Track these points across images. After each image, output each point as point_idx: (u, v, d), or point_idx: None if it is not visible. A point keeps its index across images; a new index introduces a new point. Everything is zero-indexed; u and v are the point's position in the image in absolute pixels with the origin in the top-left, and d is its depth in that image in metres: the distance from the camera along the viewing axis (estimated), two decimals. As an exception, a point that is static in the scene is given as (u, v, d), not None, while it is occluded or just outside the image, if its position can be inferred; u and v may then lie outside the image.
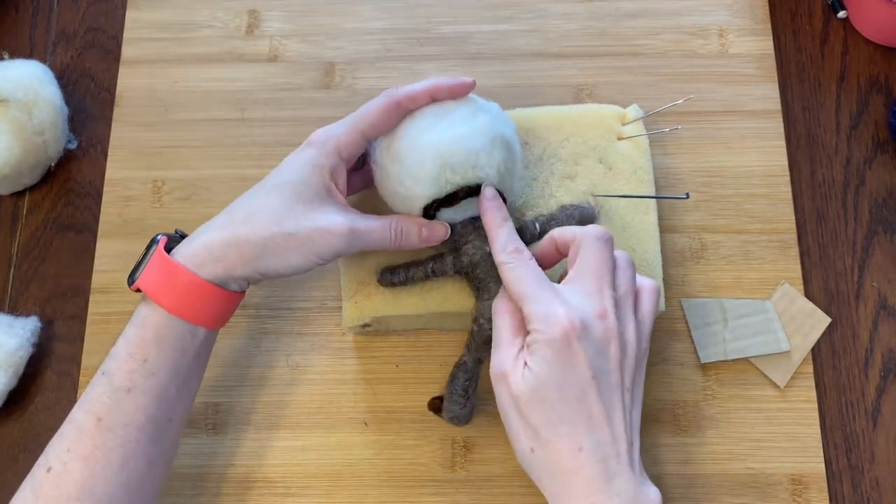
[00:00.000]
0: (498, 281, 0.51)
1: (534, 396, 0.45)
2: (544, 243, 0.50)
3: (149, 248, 0.49)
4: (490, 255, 0.51)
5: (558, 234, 0.50)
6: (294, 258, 0.48)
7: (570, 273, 0.48)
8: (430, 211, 0.51)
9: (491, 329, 0.51)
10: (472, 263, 0.52)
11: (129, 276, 0.49)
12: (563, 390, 0.45)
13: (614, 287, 0.47)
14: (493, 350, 0.48)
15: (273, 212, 0.48)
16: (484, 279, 0.52)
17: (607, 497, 0.44)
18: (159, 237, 0.49)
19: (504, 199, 0.52)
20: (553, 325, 0.45)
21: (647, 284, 0.50)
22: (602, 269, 0.47)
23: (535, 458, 0.46)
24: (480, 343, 0.52)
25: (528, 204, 0.56)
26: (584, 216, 0.54)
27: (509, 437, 0.47)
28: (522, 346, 0.46)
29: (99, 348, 0.59)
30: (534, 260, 0.48)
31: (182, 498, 0.56)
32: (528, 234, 0.53)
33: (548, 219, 0.54)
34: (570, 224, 0.53)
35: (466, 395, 0.53)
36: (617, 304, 0.47)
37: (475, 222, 0.52)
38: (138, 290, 0.48)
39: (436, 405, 0.55)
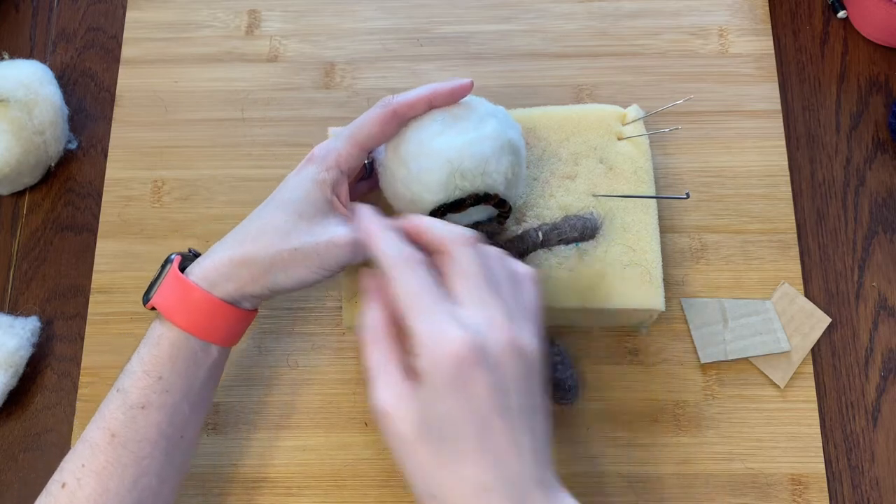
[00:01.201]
0: None
1: (428, 434, 0.39)
2: (403, 227, 0.46)
3: (163, 267, 0.49)
4: None
5: (426, 229, 0.45)
6: (301, 272, 0.48)
7: (448, 285, 0.43)
8: (437, 215, 0.51)
9: None
10: None
11: (144, 294, 0.49)
12: (460, 424, 0.39)
13: (496, 286, 0.43)
14: (370, 383, 0.42)
15: (278, 229, 0.48)
16: None
17: None
18: (173, 256, 0.49)
19: (510, 208, 0.52)
20: (444, 347, 0.39)
21: (523, 272, 0.45)
22: (479, 275, 0.43)
23: None
24: None
25: (528, 204, 0.56)
26: (586, 226, 0.54)
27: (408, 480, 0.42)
28: (405, 375, 0.41)
29: (99, 348, 0.59)
30: (424, 267, 0.43)
31: (182, 498, 0.56)
32: (530, 243, 0.53)
33: (550, 227, 0.54)
34: (573, 234, 0.53)
35: None
36: (506, 308, 0.42)
37: (479, 226, 0.52)
38: (153, 309, 0.49)
39: None
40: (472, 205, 0.50)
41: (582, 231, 0.53)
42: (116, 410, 0.47)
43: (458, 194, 0.50)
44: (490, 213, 0.52)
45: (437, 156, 0.49)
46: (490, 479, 0.39)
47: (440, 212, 0.51)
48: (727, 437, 0.56)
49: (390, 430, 0.41)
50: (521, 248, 0.53)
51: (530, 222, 0.55)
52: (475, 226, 0.52)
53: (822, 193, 0.63)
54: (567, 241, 0.54)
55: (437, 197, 0.50)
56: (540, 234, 0.53)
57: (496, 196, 0.51)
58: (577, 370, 0.54)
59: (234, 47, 0.67)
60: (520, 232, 0.54)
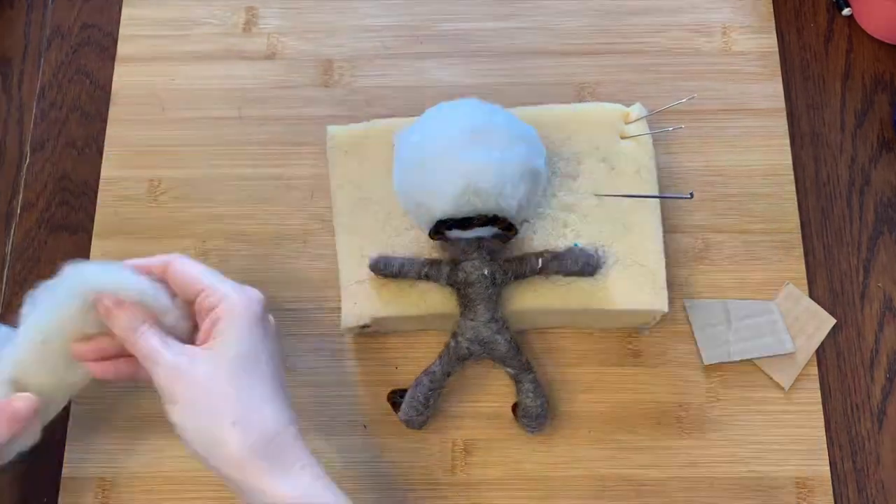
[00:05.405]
0: (488, 306, 0.52)
1: (233, 376, 0.45)
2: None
3: None
4: (486, 276, 0.51)
5: (207, 294, 0.47)
6: None
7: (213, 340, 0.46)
8: (443, 228, 0.51)
9: (467, 348, 0.52)
10: (466, 282, 0.52)
11: None
12: (258, 363, 0.47)
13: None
14: (150, 365, 0.46)
15: None
16: (474, 300, 0.52)
17: None
18: None
19: (516, 232, 0.52)
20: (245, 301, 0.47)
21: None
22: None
23: None
24: (454, 359, 0.53)
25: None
26: (588, 263, 0.53)
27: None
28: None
29: (94, 350, 0.58)
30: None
31: (180, 501, 0.55)
32: (528, 268, 0.53)
33: (552, 257, 0.53)
34: (573, 268, 0.53)
35: (426, 405, 0.53)
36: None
37: (480, 241, 0.52)
38: None
39: (394, 399, 0.55)
40: (480, 225, 0.50)
41: (583, 267, 0.53)
42: None
43: (467, 211, 0.50)
44: (494, 231, 0.52)
45: (457, 169, 0.49)
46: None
47: (446, 226, 0.50)
48: (731, 440, 0.56)
49: (191, 387, 0.45)
50: (518, 271, 0.53)
51: (534, 248, 0.54)
52: (478, 240, 0.52)
53: (826, 193, 0.62)
54: (566, 274, 0.53)
55: (446, 208, 0.50)
56: (540, 261, 0.53)
57: (505, 220, 0.50)
58: (546, 399, 0.54)
59: (231, 45, 0.66)
60: (519, 255, 0.54)
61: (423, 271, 0.53)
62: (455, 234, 0.51)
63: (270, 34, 0.67)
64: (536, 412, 0.53)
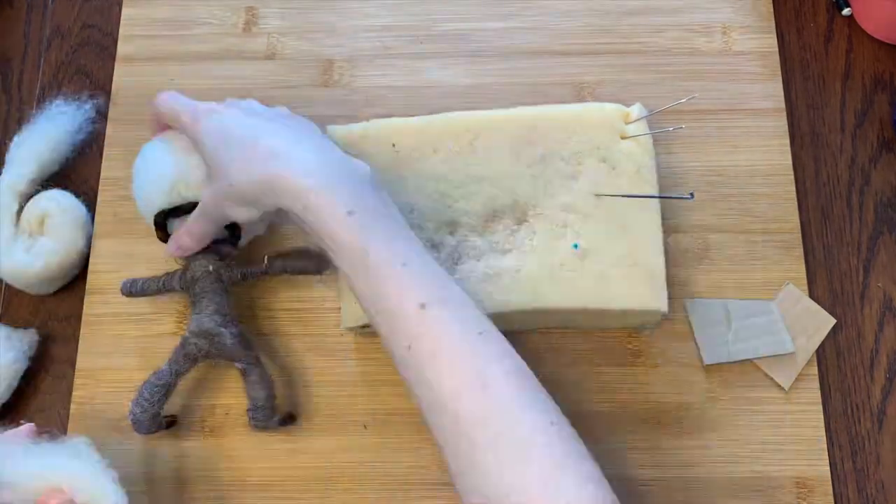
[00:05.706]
0: (213, 298, 0.54)
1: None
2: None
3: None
4: (210, 272, 0.55)
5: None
6: None
7: None
8: (159, 219, 0.55)
9: (194, 343, 0.53)
10: (193, 279, 0.55)
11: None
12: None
13: None
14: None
15: None
16: (199, 294, 0.54)
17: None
18: None
19: (240, 230, 0.56)
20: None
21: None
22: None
23: None
24: (181, 356, 0.54)
25: (531, 203, 0.55)
26: (311, 262, 0.58)
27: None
28: None
29: (94, 349, 0.58)
30: None
31: (178, 501, 0.55)
32: (256, 267, 0.57)
33: (276, 255, 0.57)
34: (299, 266, 0.57)
35: (151, 402, 0.53)
36: None
37: (212, 246, 0.55)
38: None
39: (157, 220, 0.56)
40: (190, 211, 0.54)
41: (305, 266, 0.57)
42: None
43: (178, 201, 0.54)
44: (224, 234, 0.55)
45: (163, 168, 0.54)
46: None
47: (163, 216, 0.55)
48: (731, 440, 0.56)
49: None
50: (245, 269, 0.56)
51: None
52: (213, 243, 0.55)
53: (826, 193, 0.62)
54: (293, 273, 0.57)
55: (159, 201, 0.54)
56: (266, 259, 0.57)
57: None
58: (272, 393, 0.54)
59: (231, 45, 0.66)
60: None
61: (161, 282, 0.56)
62: (176, 225, 0.55)
63: (270, 34, 0.67)
64: (259, 404, 0.54)
